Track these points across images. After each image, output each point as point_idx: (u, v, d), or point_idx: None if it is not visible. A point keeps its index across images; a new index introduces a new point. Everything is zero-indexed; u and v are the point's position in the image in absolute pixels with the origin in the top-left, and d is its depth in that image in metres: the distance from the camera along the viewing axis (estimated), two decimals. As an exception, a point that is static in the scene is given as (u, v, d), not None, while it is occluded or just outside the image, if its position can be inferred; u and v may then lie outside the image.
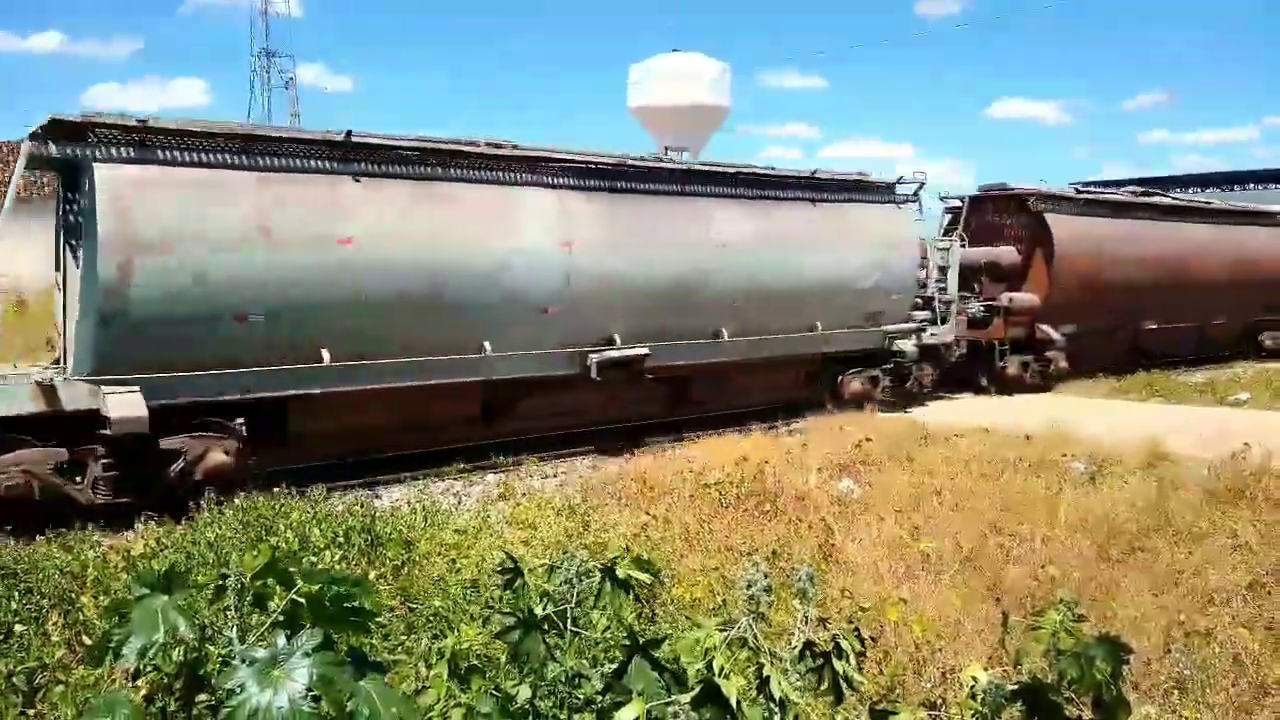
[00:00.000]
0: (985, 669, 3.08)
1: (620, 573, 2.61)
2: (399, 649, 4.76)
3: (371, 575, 6.24)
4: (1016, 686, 2.32)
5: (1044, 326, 18.99)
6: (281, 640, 1.97)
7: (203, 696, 2.27)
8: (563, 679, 2.47)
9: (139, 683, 2.53)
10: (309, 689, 1.89)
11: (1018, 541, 7.54)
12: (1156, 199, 22.87)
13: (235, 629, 2.15)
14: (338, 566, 6.33)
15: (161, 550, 6.96)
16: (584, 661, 2.58)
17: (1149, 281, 20.54)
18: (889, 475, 10.10)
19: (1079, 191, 20.82)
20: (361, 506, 8.15)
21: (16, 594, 5.85)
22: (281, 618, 2.14)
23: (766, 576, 2.16)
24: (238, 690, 1.87)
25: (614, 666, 2.36)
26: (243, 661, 1.93)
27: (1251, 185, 61.77)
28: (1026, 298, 18.82)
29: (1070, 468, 10.34)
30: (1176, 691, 4.81)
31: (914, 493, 9.21)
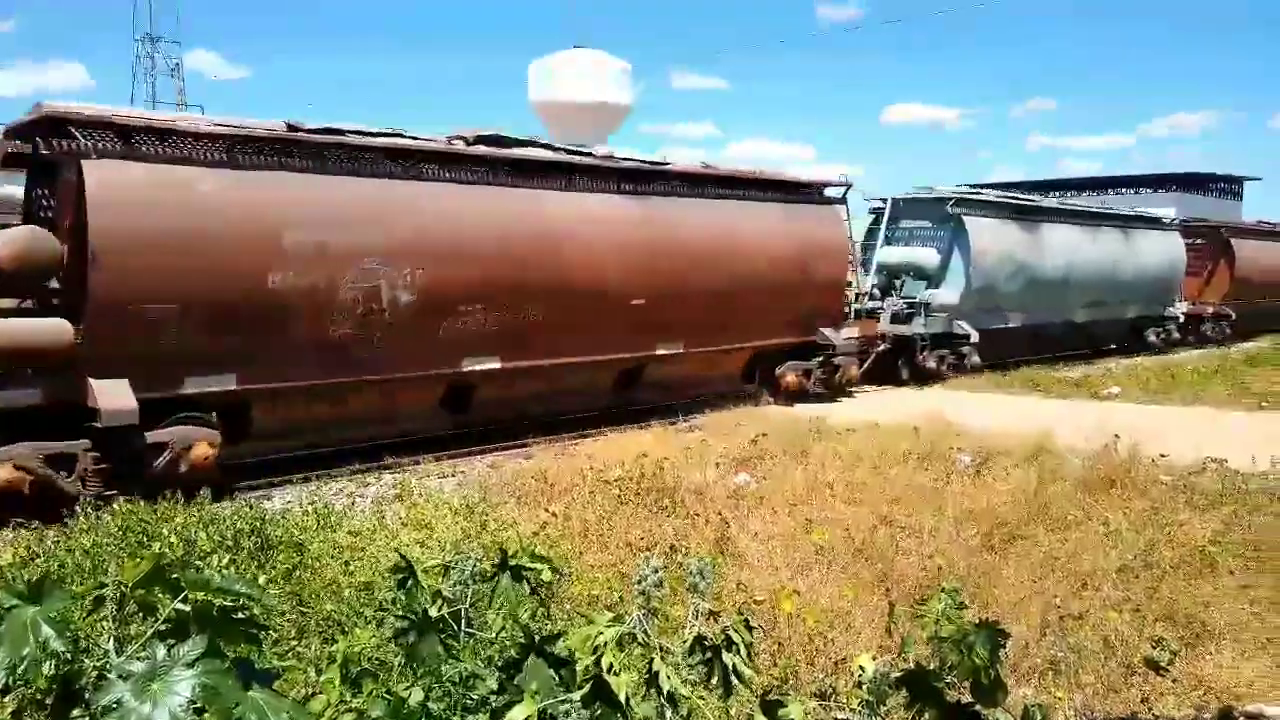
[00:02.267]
0: (874, 658, 3.19)
1: (515, 563, 2.60)
2: (289, 654, 4.65)
3: (262, 579, 6.06)
4: (900, 674, 2.40)
5: (98, 383, 9.36)
6: (161, 651, 1.90)
7: (77, 712, 2.17)
8: (457, 680, 2.45)
9: (7, 699, 2.41)
10: (192, 701, 1.83)
11: (907, 533, 7.79)
12: (481, 149, 12.51)
13: (111, 640, 2.06)
14: (226, 571, 6.12)
15: (33, 559, 6.62)
16: (479, 662, 2.57)
17: (472, 288, 11.93)
18: (784, 469, 10.31)
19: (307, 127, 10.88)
20: (251, 508, 7.91)
21: None
22: (166, 627, 2.07)
23: (657, 571, 2.18)
24: (114, 706, 1.80)
25: (509, 663, 2.36)
26: (119, 676, 1.86)
27: (1128, 190, 65.47)
28: (32, 329, 9.26)
29: (957, 460, 10.73)
30: (1051, 673, 5.06)
31: (808, 486, 9.43)
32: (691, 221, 14.68)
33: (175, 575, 2.12)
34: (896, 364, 19.45)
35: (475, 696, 2.42)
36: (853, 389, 18.16)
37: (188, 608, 2.09)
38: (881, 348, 18.54)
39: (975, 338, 20.27)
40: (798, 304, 16.37)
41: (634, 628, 2.05)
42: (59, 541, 6.97)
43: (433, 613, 2.54)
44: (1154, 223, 27.55)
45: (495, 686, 2.36)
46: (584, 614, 2.31)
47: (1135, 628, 5.70)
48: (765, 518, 8.25)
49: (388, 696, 2.41)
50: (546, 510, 8.40)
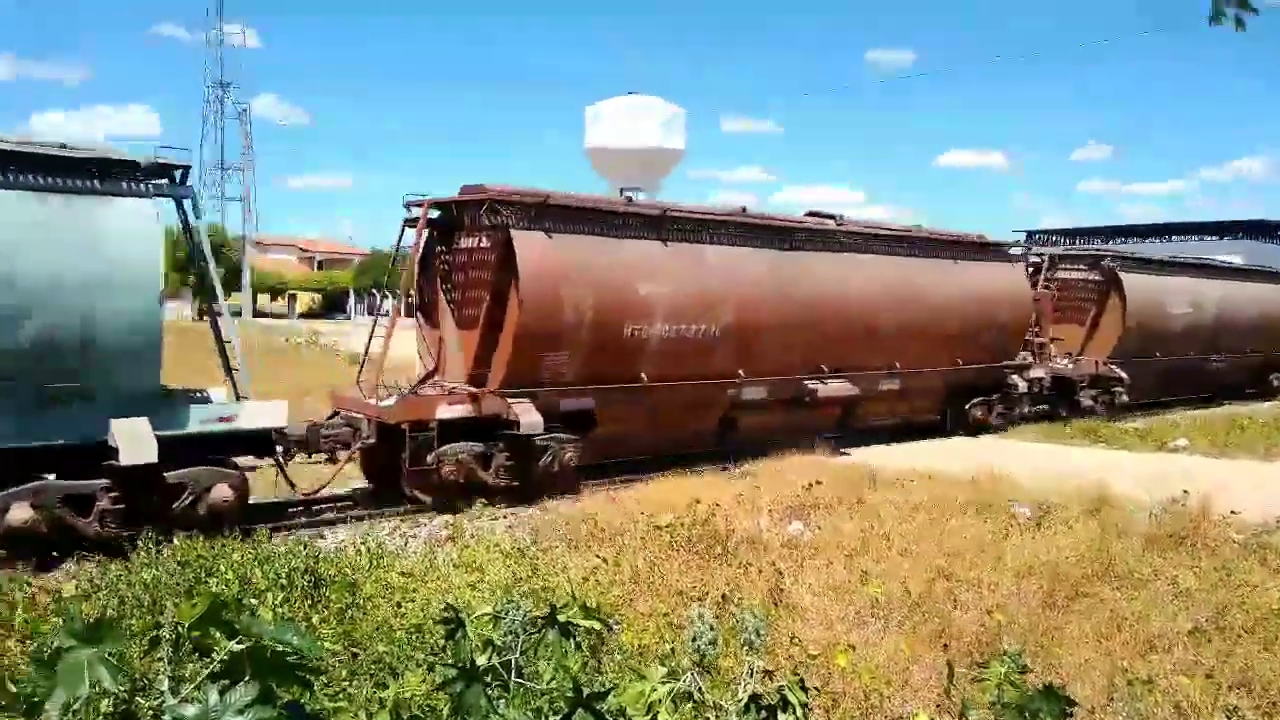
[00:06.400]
0: (931, 719, 3.08)
1: (563, 618, 2.57)
2: (340, 695, 4.64)
3: (315, 619, 6.10)
4: (962, 740, 2.31)
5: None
6: (214, 696, 1.91)
7: (130, 752, 2.19)
8: (506, 732, 2.41)
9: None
10: (241, 747, 1.83)
11: (965, 587, 7.59)
12: None
13: (167, 681, 2.07)
14: (280, 610, 6.17)
15: (95, 591, 6.74)
16: (528, 713, 2.53)
17: None
18: (838, 519, 10.14)
19: None
20: (305, 547, 7.98)
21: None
22: (219, 668, 2.08)
23: (712, 629, 2.14)
24: (166, 749, 1.81)
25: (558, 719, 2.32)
26: (172, 718, 1.87)
27: (1193, 237, 64.11)
28: None
29: (1016, 511, 10.46)
30: (1119, 740, 4.85)
31: (862, 536, 9.25)
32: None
33: (231, 618, 2.14)
34: None
35: (524, 749, 2.39)
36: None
37: (242, 648, 2.10)
38: None
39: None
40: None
41: (688, 685, 2.00)
42: (120, 575, 7.09)
43: (481, 661, 2.52)
44: None
45: (544, 740, 2.33)
46: (636, 669, 2.27)
47: (1208, 695, 5.45)
48: (819, 568, 8.10)
49: (436, 746, 2.39)
50: (597, 555, 8.35)
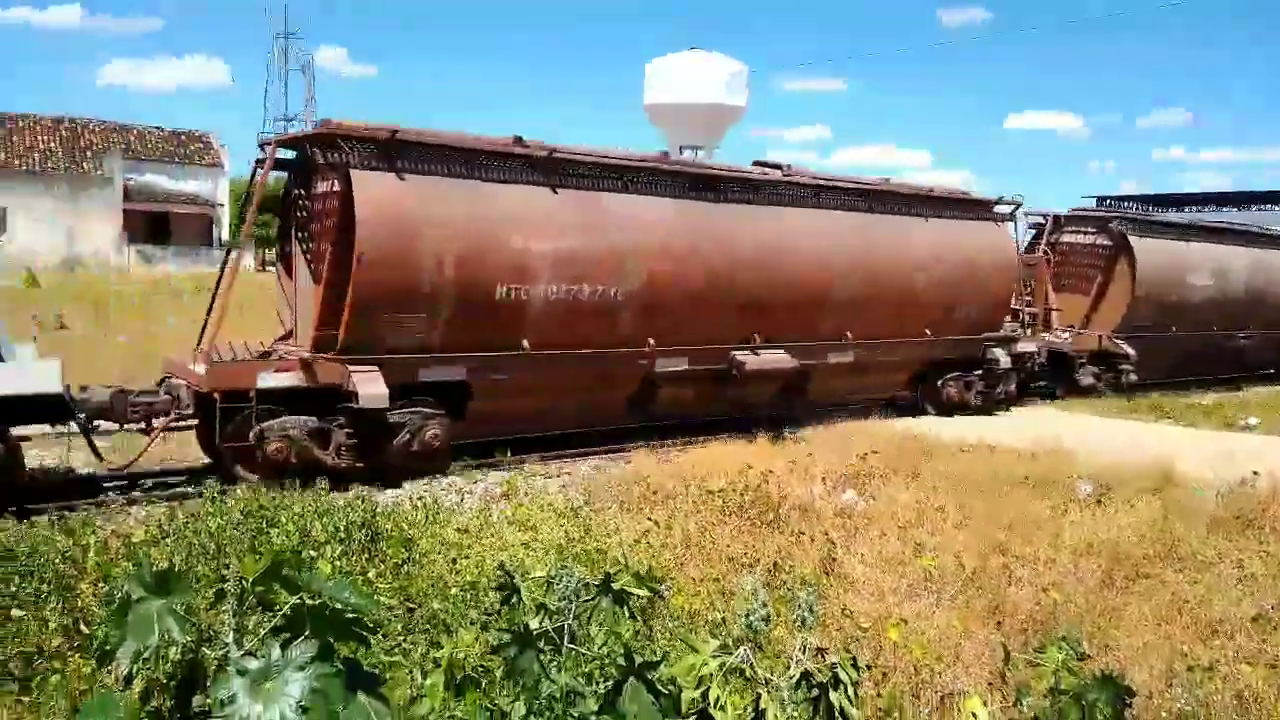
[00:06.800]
0: (984, 701, 3.06)
1: (617, 586, 2.59)
2: (396, 650, 4.75)
3: (371, 573, 6.24)
4: (1016, 725, 2.29)
5: None
6: (276, 651, 1.96)
7: (198, 698, 2.27)
8: (558, 695, 2.45)
9: (135, 682, 2.53)
10: (300, 703, 1.88)
11: (1021, 563, 7.49)
12: None
13: (232, 634, 2.14)
14: (338, 563, 6.32)
15: (163, 538, 6.96)
16: (580, 678, 2.56)
17: None
18: (893, 489, 10.06)
19: None
20: (363, 501, 8.15)
21: (16, 577, 5.86)
22: (281, 622, 2.14)
23: (765, 605, 2.13)
24: (228, 701, 1.87)
25: (609, 686, 2.35)
26: (236, 671, 1.93)
27: (1269, 206, 61.58)
28: None
29: (1076, 488, 10.28)
30: (1176, 726, 4.76)
31: (918, 508, 9.17)
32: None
33: (292, 574, 2.19)
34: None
35: (575, 714, 2.42)
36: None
37: (302, 604, 2.16)
38: None
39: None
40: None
41: (740, 661, 2.01)
42: (188, 523, 7.31)
43: (533, 624, 2.56)
44: None
45: (595, 707, 2.36)
46: (686, 639, 2.28)
47: (1271, 684, 5.33)
48: (873, 539, 8.05)
49: (490, 708, 2.44)
50: (649, 518, 8.39)
